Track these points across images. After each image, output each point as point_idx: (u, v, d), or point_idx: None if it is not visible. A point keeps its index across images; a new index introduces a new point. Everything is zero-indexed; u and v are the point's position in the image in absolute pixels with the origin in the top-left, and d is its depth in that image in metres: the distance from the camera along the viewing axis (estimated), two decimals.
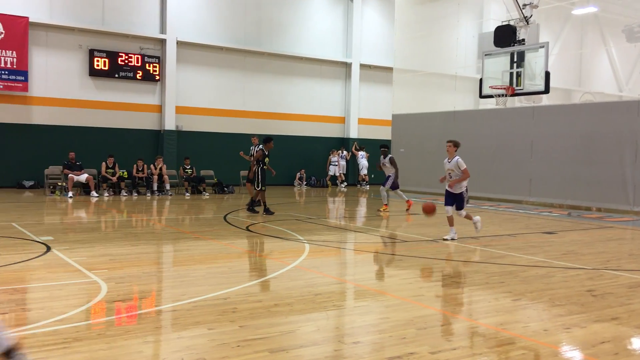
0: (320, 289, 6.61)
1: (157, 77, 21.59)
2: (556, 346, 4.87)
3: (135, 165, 18.97)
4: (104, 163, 18.47)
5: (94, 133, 20.60)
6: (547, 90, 18.27)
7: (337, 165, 25.15)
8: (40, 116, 19.91)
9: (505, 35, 19.28)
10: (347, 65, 26.15)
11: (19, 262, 7.68)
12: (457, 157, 10.18)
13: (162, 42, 21.65)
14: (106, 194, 18.01)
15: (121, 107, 21.25)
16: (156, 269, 8.07)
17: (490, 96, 19.94)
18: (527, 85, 18.94)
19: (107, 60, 20.62)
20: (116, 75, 20.87)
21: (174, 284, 7.08)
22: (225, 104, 23.28)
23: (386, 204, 15.39)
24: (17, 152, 19.43)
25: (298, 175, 24.60)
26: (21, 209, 14.20)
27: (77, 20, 20.14)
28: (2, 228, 10.73)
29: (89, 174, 17.95)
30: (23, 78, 19.22)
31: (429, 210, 10.68)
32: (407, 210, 15.50)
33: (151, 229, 11.77)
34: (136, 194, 18.53)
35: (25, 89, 19.36)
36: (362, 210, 17.43)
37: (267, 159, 14.13)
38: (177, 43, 21.79)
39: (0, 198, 16.48)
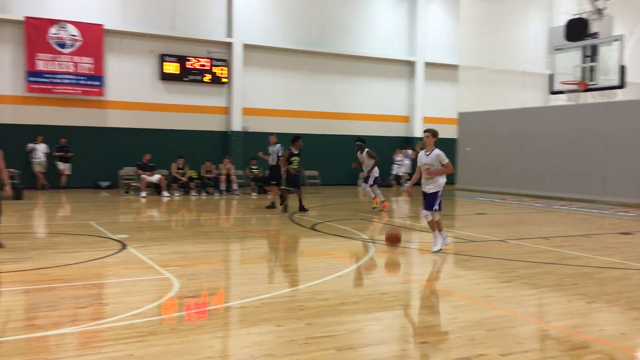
0: (386, 288, 6.60)
1: (224, 80, 22.08)
2: (634, 350, 4.68)
3: (203, 166, 19.49)
4: (174, 164, 19.06)
5: (165, 135, 21.29)
6: (622, 85, 17.50)
7: (400, 164, 24.95)
8: (114, 119, 20.75)
9: (577, 29, 18.59)
10: (411, 64, 25.89)
11: (97, 258, 8.05)
12: (436, 150, 8.79)
13: (229, 45, 22.12)
14: (176, 194, 18.58)
15: (190, 109, 21.86)
16: (225, 266, 8.28)
17: (562, 92, 19.28)
18: (601, 80, 18.19)
19: (176, 64, 21.27)
20: (185, 79, 21.49)
21: (242, 282, 7.24)
22: (290, 104, 23.53)
23: (375, 198, 14.90)
24: (93, 154, 20.33)
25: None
26: (98, 208, 14.86)
27: (149, 27, 20.87)
28: (81, 226, 11.27)
29: (161, 175, 18.57)
30: (99, 83, 20.11)
31: (393, 240, 9.19)
32: (377, 208, 14.79)
33: (220, 227, 12.06)
34: (205, 194, 19.01)
35: (101, 93, 20.24)
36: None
37: (295, 159, 14.10)
38: (243, 46, 22.21)
39: (78, 198, 17.31)
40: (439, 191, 8.72)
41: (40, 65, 19.19)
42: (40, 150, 19.22)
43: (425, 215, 8.83)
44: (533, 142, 19.93)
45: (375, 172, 14.91)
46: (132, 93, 20.91)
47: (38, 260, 7.86)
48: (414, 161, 25.43)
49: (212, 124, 22.20)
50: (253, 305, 5.82)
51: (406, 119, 26.19)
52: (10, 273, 7.06)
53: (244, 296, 6.22)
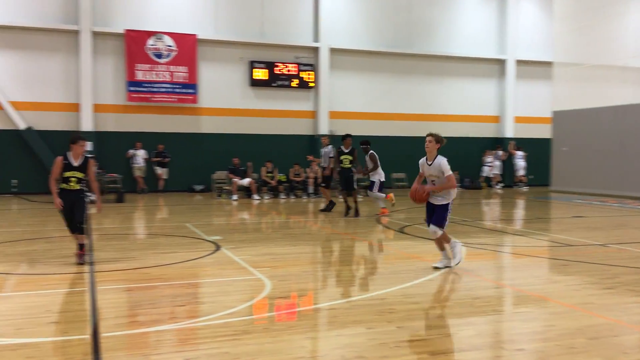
0: (479, 293, 6.44)
1: (312, 84, 22.36)
2: None
3: (292, 169, 19.82)
4: (263, 168, 19.52)
5: (254, 139, 21.83)
6: None
7: (491, 166, 24.26)
8: (207, 125, 21.54)
9: None
10: (501, 62, 25.11)
11: (193, 259, 8.37)
12: (440, 158, 7.49)
13: (316, 50, 22.39)
14: (266, 197, 19.00)
15: (278, 114, 22.30)
16: (314, 268, 8.36)
17: None
18: None
19: (265, 70, 21.77)
20: (273, 84, 21.96)
21: (332, 283, 7.30)
22: (377, 107, 23.46)
23: (390, 197, 14.07)
24: (188, 159, 21.19)
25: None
26: (193, 211, 15.46)
27: (239, 35, 21.52)
28: (178, 228, 11.77)
29: (251, 178, 19.07)
30: (193, 91, 20.96)
31: (419, 199, 7.54)
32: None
33: (308, 230, 12.22)
34: (293, 197, 19.32)
35: (195, 100, 21.08)
36: (519, 212, 16.65)
37: (346, 157, 13.70)
38: (329, 50, 22.40)
39: (174, 201, 18.09)
40: (449, 203, 7.50)
41: (139, 75, 20.26)
42: (140, 156, 20.27)
43: (433, 232, 7.52)
44: (636, 140, 18.78)
45: (376, 177, 13.95)
46: (224, 99, 21.62)
47: (139, 260, 8.29)
48: (505, 162, 24.68)
49: (299, 128, 22.53)
50: (343, 307, 5.85)
51: (497, 119, 25.45)
52: (114, 272, 7.49)
53: (334, 298, 6.26)
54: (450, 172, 7.41)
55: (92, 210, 8.38)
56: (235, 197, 18.32)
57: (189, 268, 7.85)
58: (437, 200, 7.50)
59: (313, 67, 22.35)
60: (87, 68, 19.72)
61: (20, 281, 7.16)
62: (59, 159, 7.88)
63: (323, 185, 15.09)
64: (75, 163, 7.87)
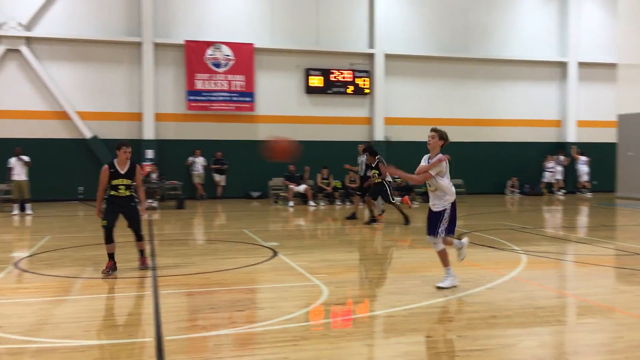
0: (542, 303, 6.26)
1: (367, 91, 22.34)
2: None
3: (347, 176, 19.83)
4: (319, 174, 19.61)
5: (310, 146, 21.92)
6: None
7: (553, 171, 23.57)
8: (264, 132, 21.79)
9: None
10: (563, 65, 24.40)
11: (251, 264, 8.50)
12: (440, 156, 6.82)
13: (371, 56, 22.37)
14: (322, 204, 19.08)
15: (334, 121, 22.38)
16: (372, 275, 8.33)
17: None
18: None
19: (321, 77, 21.90)
20: (329, 91, 22.06)
21: (390, 290, 7.25)
22: (433, 112, 23.19)
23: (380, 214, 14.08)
24: (245, 166, 21.52)
25: (510, 183, 23.55)
26: (250, 217, 15.69)
27: (295, 43, 21.75)
28: (236, 234, 11.97)
29: (307, 185, 19.19)
30: (250, 99, 21.30)
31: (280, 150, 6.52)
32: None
33: (364, 236, 12.19)
34: (349, 203, 19.30)
35: (252, 108, 21.42)
36: (583, 219, 16.10)
37: (374, 172, 13.56)
38: (384, 56, 22.34)
39: (232, 207, 18.40)
40: (445, 209, 6.80)
41: (199, 85, 20.75)
42: (199, 163, 20.73)
43: (434, 244, 6.96)
44: None
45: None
46: (280, 107, 21.87)
47: (199, 265, 8.47)
48: (567, 168, 23.93)
49: (355, 134, 22.52)
50: (401, 314, 5.81)
51: (558, 124, 24.73)
52: (176, 277, 7.68)
53: (392, 305, 6.22)
54: (431, 171, 6.73)
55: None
56: (291, 203, 18.48)
57: (247, 273, 7.96)
58: (433, 206, 6.93)
59: (368, 73, 22.34)
60: (149, 78, 20.36)
61: (87, 285, 7.44)
62: (105, 167, 7.78)
63: (359, 193, 15.02)
64: (122, 170, 7.77)
